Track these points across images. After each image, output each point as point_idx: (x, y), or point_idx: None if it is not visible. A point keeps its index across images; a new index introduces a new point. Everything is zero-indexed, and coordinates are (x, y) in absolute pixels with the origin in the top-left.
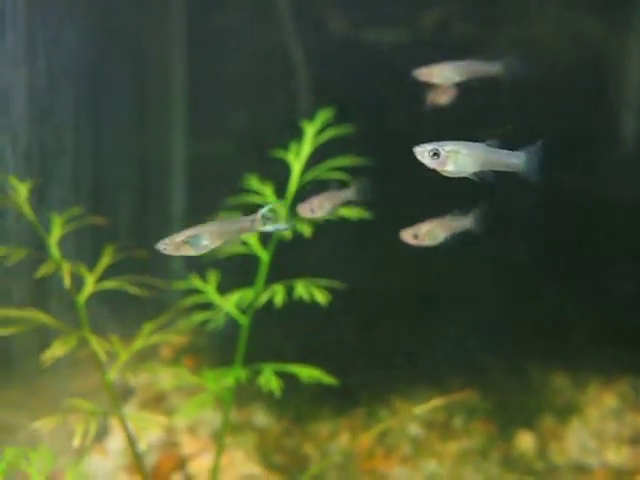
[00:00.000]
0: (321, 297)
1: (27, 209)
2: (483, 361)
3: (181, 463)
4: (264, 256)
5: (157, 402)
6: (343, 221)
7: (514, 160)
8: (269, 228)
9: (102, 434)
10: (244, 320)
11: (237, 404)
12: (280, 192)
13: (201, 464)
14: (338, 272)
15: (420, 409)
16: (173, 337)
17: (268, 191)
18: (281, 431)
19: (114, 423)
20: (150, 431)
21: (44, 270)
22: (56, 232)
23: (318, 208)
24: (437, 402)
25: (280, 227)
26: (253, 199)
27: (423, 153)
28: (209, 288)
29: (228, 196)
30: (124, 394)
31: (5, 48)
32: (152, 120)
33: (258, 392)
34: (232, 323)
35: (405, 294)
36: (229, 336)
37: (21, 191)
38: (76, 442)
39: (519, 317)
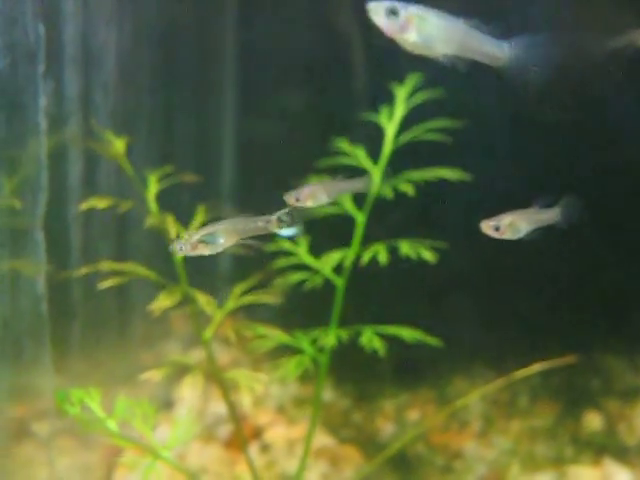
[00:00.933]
0: (429, 256)
1: (126, 164)
2: (545, 342)
3: (256, 433)
4: (360, 217)
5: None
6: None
7: (498, 52)
8: (283, 231)
9: (168, 405)
10: (339, 281)
11: (300, 380)
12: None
13: (276, 434)
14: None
15: (502, 381)
16: (267, 298)
17: (360, 153)
18: (348, 406)
19: (179, 395)
20: (253, 389)
21: (149, 222)
22: (153, 188)
23: (306, 198)
24: (537, 367)
25: (294, 232)
26: (344, 161)
27: (377, 9)
28: (301, 250)
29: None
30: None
31: (101, 8)
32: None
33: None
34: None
35: (475, 272)
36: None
37: (119, 146)
38: (184, 392)
39: (581, 298)
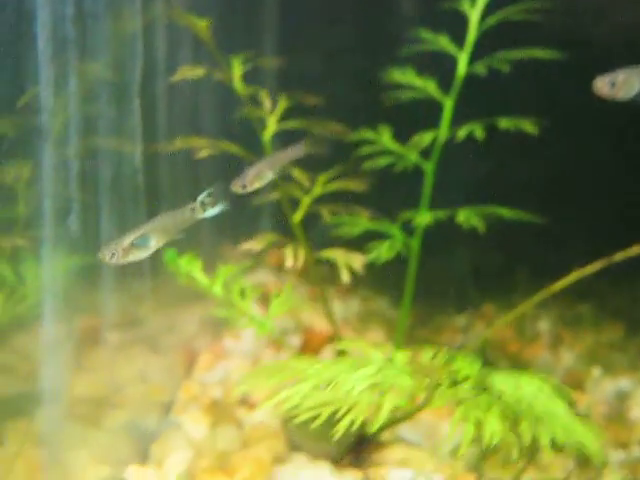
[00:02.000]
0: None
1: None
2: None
3: (327, 341)
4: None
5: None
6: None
7: None
8: (210, 212)
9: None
10: (429, 166)
11: (361, 296)
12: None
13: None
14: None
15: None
16: (353, 184)
17: (443, 41)
18: (411, 323)
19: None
20: (353, 266)
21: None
22: (237, 70)
23: (252, 182)
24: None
25: (219, 209)
26: (427, 47)
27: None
28: (385, 138)
29: None
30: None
31: None
32: None
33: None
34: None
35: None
36: None
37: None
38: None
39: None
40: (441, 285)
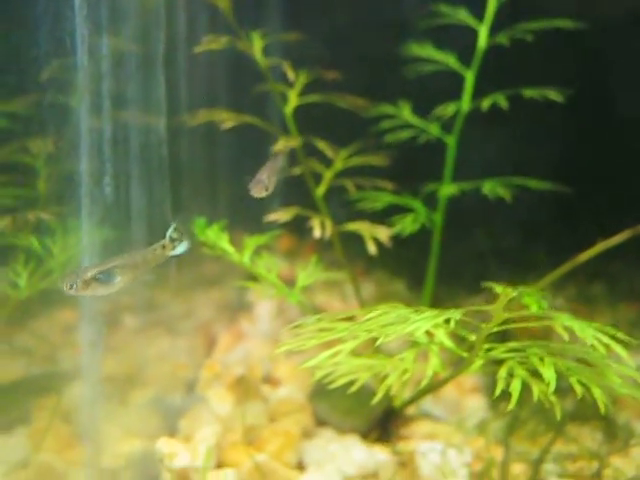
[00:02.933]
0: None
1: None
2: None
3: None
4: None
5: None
6: None
7: None
8: (180, 249)
9: (247, 307)
10: (451, 140)
11: (375, 280)
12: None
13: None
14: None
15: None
16: (374, 160)
17: (462, 14)
18: (429, 303)
19: (254, 297)
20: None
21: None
22: (257, 44)
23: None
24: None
25: (185, 246)
26: (446, 20)
27: None
28: (405, 112)
29: None
30: None
31: None
32: None
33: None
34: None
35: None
36: None
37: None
38: (316, 234)
39: None
40: (458, 265)
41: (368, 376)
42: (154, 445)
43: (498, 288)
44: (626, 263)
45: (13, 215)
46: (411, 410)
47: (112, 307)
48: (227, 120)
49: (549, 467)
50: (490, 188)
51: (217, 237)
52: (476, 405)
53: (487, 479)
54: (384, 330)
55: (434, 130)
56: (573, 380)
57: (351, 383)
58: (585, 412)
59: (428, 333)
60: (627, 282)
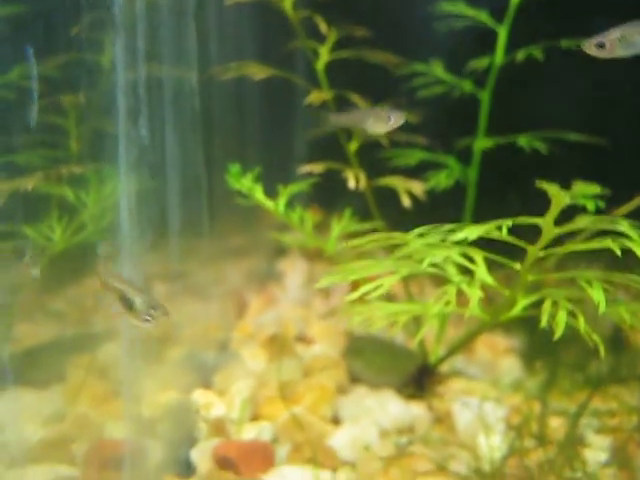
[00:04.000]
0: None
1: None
2: None
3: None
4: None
5: None
6: None
7: None
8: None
9: (277, 276)
10: (484, 95)
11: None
12: None
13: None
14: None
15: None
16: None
17: None
18: None
19: (284, 266)
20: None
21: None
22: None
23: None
24: None
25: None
26: None
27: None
28: (437, 69)
29: None
30: None
31: None
32: None
33: None
34: None
35: None
36: None
37: None
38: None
39: None
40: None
41: (406, 318)
42: (190, 397)
43: (551, 189)
44: None
45: (46, 170)
46: (445, 368)
47: (143, 275)
48: (257, 73)
49: (587, 422)
50: (526, 142)
51: (252, 186)
52: (511, 365)
53: (526, 432)
54: (428, 252)
55: (467, 86)
56: (621, 309)
57: (384, 343)
58: (621, 372)
59: (466, 271)
60: None
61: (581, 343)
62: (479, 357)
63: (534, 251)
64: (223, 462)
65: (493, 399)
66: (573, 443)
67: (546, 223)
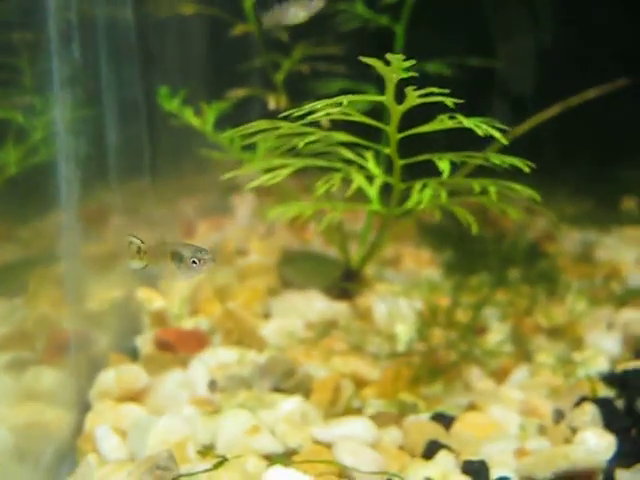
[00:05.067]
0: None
1: None
2: None
3: None
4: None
5: None
6: None
7: None
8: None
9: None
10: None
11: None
12: None
13: None
14: None
15: None
16: None
17: None
18: None
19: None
20: None
21: None
22: None
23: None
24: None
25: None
26: None
27: None
28: None
29: None
30: None
31: None
32: None
33: None
34: None
35: None
36: None
37: None
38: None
39: None
40: None
41: (311, 211)
42: (135, 296)
43: (377, 64)
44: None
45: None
46: (371, 274)
47: (100, 208)
48: (187, 10)
49: (491, 312)
50: (435, 68)
51: (180, 108)
52: (431, 274)
53: (434, 322)
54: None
55: (383, 20)
56: (492, 189)
57: (315, 254)
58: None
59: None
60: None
61: (500, 255)
62: (404, 268)
63: (393, 131)
64: (163, 345)
65: (409, 297)
66: (473, 328)
67: (389, 102)
